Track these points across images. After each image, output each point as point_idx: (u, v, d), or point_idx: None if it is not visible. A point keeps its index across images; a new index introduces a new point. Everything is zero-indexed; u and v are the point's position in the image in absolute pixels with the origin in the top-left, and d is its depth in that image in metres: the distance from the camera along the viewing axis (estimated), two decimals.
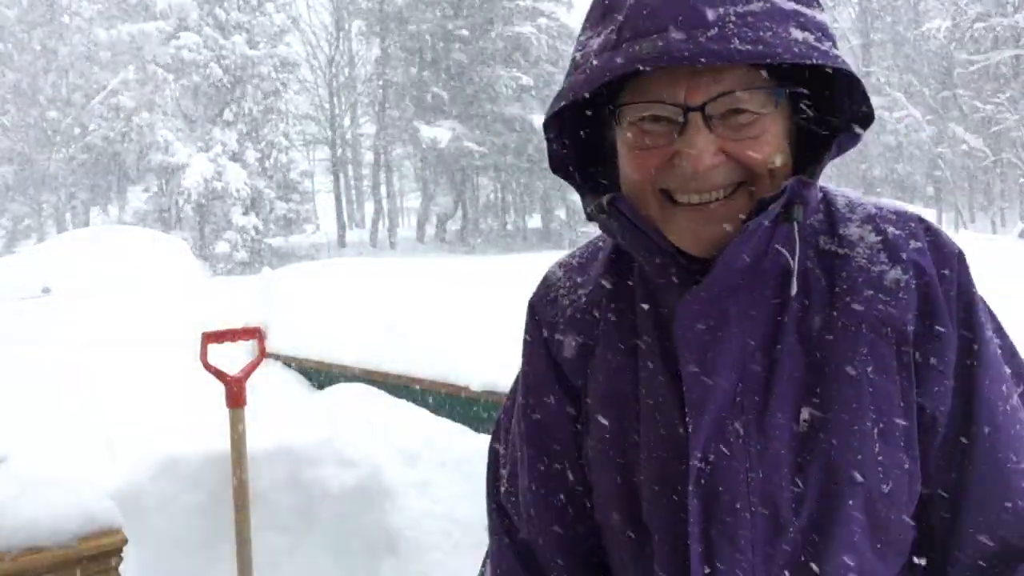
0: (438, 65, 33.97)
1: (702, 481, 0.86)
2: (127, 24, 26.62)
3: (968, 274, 0.89)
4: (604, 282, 0.99)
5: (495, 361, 4.07)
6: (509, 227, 37.04)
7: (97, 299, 9.36)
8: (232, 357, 3.64)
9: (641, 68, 0.78)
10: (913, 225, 0.91)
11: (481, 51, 33.19)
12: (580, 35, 0.89)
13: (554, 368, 1.01)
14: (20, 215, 29.51)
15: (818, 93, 0.89)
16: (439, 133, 31.71)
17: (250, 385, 3.27)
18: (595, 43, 0.84)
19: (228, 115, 28.39)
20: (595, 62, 0.82)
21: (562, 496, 1.02)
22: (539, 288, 1.06)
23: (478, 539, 2.91)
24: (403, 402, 3.90)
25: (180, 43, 27.00)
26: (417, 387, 4.27)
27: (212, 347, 3.26)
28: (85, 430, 3.81)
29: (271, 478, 3.30)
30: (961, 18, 30.80)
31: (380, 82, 35.52)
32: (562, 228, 34.50)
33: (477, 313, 4.91)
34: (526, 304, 1.07)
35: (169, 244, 15.13)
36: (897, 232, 0.90)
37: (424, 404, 3.94)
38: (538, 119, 32.15)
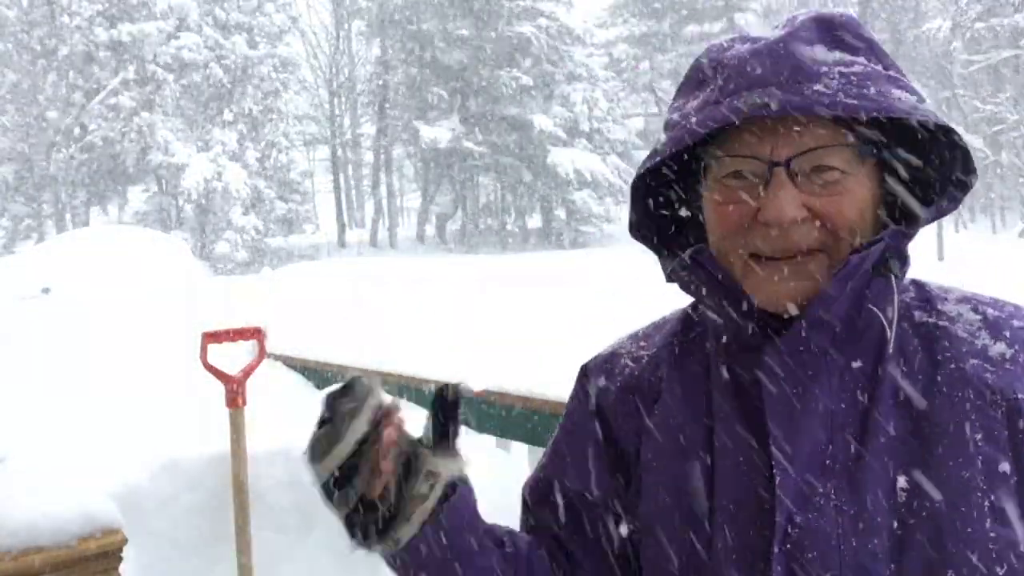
0: (438, 65, 33.98)
1: (788, 546, 0.79)
2: (127, 24, 26.62)
3: None
4: (672, 344, 0.97)
5: (495, 361, 4.07)
6: (509, 227, 37.05)
7: (97, 299, 9.37)
8: (232, 357, 3.64)
9: (736, 122, 0.79)
10: (1011, 308, 0.88)
11: (481, 51, 33.20)
12: (674, 101, 0.90)
13: (598, 426, 0.97)
14: (20, 215, 29.52)
15: (911, 154, 0.88)
16: (439, 133, 31.72)
17: (250, 385, 3.27)
18: (694, 104, 0.85)
19: (228, 115, 28.40)
20: (695, 118, 0.83)
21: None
22: (598, 353, 1.04)
23: None
24: (403, 402, 3.89)
25: (180, 43, 27.02)
26: (417, 387, 4.27)
27: (212, 347, 3.26)
28: (85, 430, 3.81)
29: (271, 478, 3.30)
30: (961, 18, 30.80)
31: (380, 82, 35.53)
32: (562, 228, 34.52)
33: (478, 313, 4.92)
34: (580, 368, 1.04)
35: (169, 244, 15.14)
36: (996, 313, 0.87)
37: (424, 404, 3.94)
38: (538, 119, 32.18)
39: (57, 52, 27.35)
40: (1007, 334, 0.84)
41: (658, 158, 0.86)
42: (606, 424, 0.97)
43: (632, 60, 41.98)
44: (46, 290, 12.16)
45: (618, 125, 36.03)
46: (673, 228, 0.98)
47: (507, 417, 3.72)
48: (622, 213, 35.88)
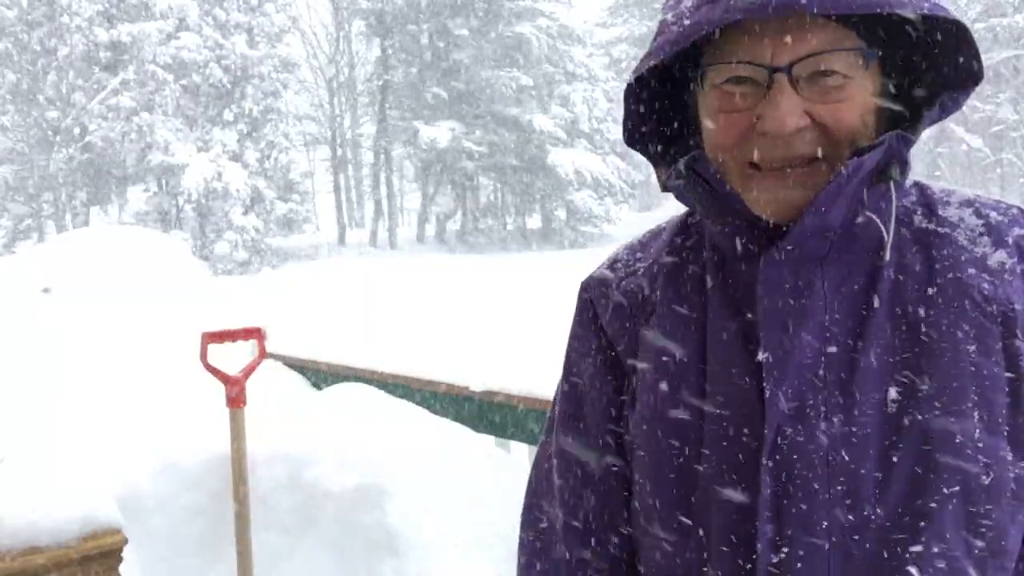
0: (438, 65, 33.98)
1: (777, 456, 0.79)
2: (127, 24, 26.62)
3: None
4: (666, 253, 0.95)
5: (496, 361, 4.08)
6: (509, 227, 37.04)
7: (97, 299, 9.37)
8: (232, 357, 3.64)
9: (738, 19, 0.75)
10: (1015, 212, 0.86)
11: (481, 51, 33.19)
12: (668, 0, 0.86)
13: (600, 341, 0.97)
14: (20, 215, 29.51)
15: (913, 55, 0.85)
16: (439, 133, 31.71)
17: (250, 385, 3.27)
18: (689, 3, 0.81)
19: (228, 115, 28.39)
20: (688, 21, 0.78)
21: (595, 471, 0.97)
22: (595, 270, 1.03)
23: (478, 539, 2.91)
24: (403, 402, 3.90)
25: (180, 43, 27.01)
26: (417, 387, 4.27)
27: (212, 347, 3.26)
28: (85, 430, 3.81)
29: (271, 478, 3.30)
30: (961, 18, 30.73)
31: (380, 82, 35.53)
32: (562, 228, 34.51)
33: (478, 313, 4.92)
34: (578, 285, 1.03)
35: (169, 244, 15.13)
36: (1000, 217, 0.84)
37: (424, 404, 3.94)
38: (538, 119, 32.16)
39: (57, 52, 27.34)
40: (1008, 240, 0.82)
41: (652, 62, 0.81)
42: (607, 340, 0.96)
43: (632, 60, 41.95)
44: (46, 290, 12.16)
45: (618, 125, 36.01)
46: (669, 133, 0.95)
47: (507, 417, 3.72)
48: (622, 213, 35.90)
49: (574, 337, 1.02)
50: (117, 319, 7.64)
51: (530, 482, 1.08)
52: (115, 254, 13.45)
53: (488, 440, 3.54)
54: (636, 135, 0.93)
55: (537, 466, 1.08)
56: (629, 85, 0.88)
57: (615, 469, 0.96)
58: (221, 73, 27.97)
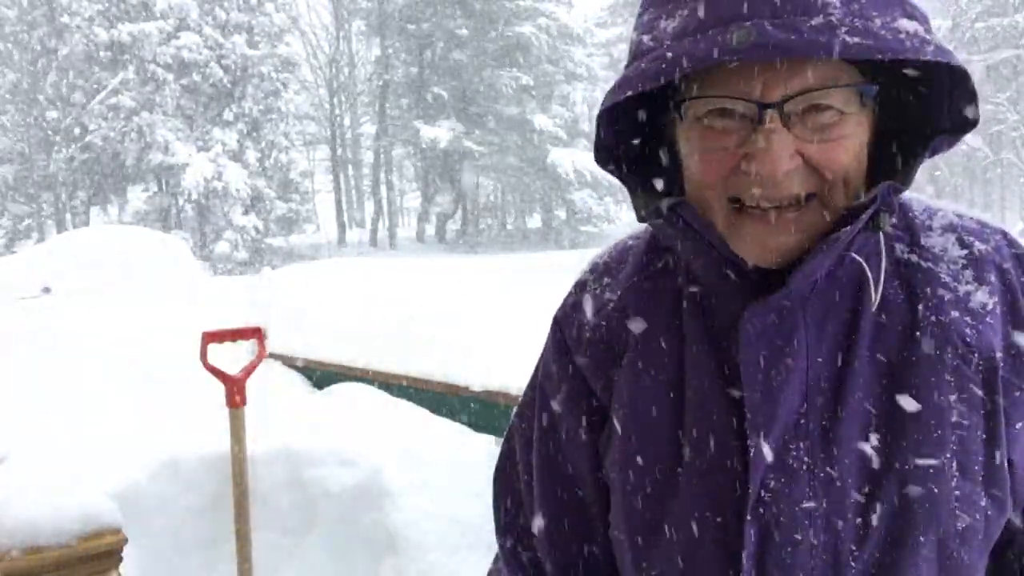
0: (438, 65, 33.98)
1: (760, 510, 0.78)
2: (127, 24, 26.62)
3: None
4: (638, 283, 0.91)
5: (496, 361, 4.07)
6: (509, 227, 37.04)
7: (97, 299, 9.37)
8: (232, 357, 3.64)
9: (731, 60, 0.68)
10: (999, 238, 0.84)
11: (481, 51, 33.19)
12: (643, 14, 0.78)
13: (576, 382, 0.94)
14: (20, 215, 29.51)
15: (909, 89, 0.80)
16: (439, 133, 31.71)
17: (250, 385, 3.27)
18: (669, 25, 0.74)
19: (228, 115, 28.39)
20: (670, 53, 0.71)
21: (579, 527, 0.97)
22: (565, 299, 0.99)
23: (478, 539, 2.91)
24: (403, 402, 3.90)
25: (180, 43, 27.01)
26: (417, 387, 4.27)
27: (212, 347, 3.27)
28: (85, 430, 3.81)
29: (271, 478, 3.30)
30: (961, 18, 30.78)
31: (380, 82, 35.53)
32: (562, 228, 34.52)
33: (477, 313, 4.91)
34: (551, 319, 1.00)
35: (169, 244, 15.10)
36: (983, 247, 0.82)
37: (424, 404, 3.94)
38: (539, 119, 32.16)
39: (57, 52, 27.34)
40: (992, 278, 0.81)
41: (629, 92, 0.74)
42: (582, 379, 0.93)
43: None
44: (46, 290, 12.15)
45: None
46: (641, 155, 0.89)
47: (507, 417, 3.72)
48: (622, 213, 35.88)
49: (547, 374, 0.98)
50: (117, 319, 7.63)
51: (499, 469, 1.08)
52: (115, 254, 13.43)
53: (488, 440, 3.54)
54: (606, 156, 0.87)
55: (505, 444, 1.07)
56: (601, 111, 0.82)
57: (593, 492, 0.95)
58: (221, 73, 27.96)
